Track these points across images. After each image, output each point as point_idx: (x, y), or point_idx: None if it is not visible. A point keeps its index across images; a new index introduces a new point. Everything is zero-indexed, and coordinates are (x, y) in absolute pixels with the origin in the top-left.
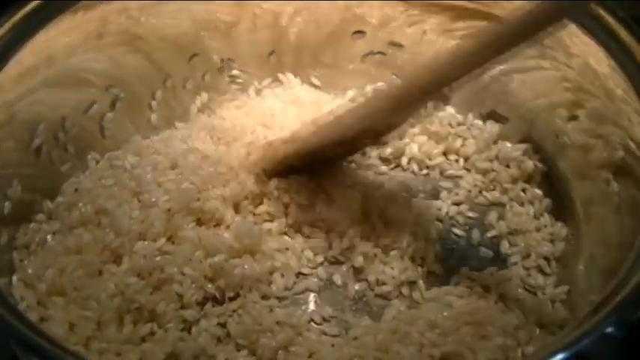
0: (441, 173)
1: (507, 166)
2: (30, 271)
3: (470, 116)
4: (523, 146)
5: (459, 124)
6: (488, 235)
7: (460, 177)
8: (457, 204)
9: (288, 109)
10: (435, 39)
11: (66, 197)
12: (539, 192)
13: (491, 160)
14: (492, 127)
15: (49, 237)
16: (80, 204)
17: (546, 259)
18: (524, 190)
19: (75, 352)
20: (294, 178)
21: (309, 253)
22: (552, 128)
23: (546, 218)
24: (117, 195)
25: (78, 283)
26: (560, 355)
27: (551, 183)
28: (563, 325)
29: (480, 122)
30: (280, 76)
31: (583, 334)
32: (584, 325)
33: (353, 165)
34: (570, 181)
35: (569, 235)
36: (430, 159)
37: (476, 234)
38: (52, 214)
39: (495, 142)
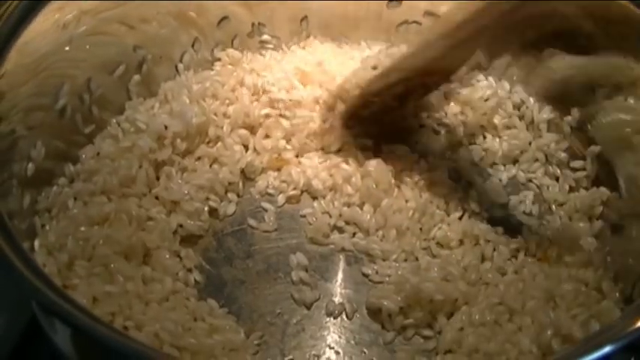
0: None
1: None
2: (52, 238)
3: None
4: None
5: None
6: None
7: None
8: None
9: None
10: None
11: (87, 161)
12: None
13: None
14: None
15: (69, 203)
16: (103, 170)
17: None
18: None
19: (99, 318)
20: None
21: None
22: None
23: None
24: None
25: (105, 260)
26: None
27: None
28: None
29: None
30: (311, 43)
31: None
32: None
33: None
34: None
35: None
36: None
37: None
38: (74, 178)
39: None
